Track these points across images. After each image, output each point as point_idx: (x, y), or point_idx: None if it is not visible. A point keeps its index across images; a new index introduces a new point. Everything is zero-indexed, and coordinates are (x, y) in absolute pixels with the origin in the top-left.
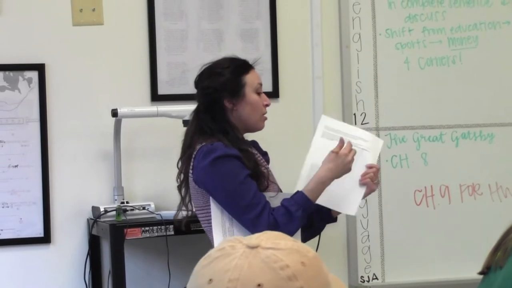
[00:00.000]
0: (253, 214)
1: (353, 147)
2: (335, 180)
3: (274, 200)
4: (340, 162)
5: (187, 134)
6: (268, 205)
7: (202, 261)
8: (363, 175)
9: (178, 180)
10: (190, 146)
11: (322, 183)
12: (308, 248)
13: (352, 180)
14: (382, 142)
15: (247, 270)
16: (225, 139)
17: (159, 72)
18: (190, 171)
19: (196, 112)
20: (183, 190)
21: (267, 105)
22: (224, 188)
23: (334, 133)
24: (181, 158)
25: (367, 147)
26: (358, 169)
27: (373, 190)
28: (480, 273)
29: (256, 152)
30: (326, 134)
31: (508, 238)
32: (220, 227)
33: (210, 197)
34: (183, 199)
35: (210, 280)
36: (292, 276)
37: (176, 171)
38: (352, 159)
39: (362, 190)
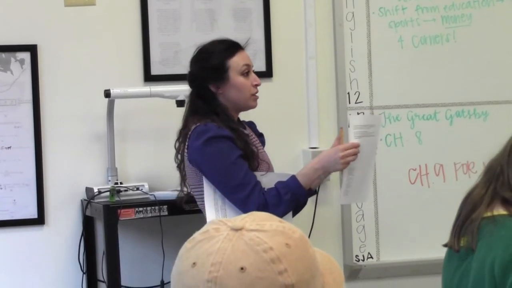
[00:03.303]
0: (243, 194)
1: (367, 137)
2: (357, 174)
3: (264, 178)
4: (332, 155)
5: (184, 116)
6: (258, 185)
7: (187, 244)
8: None
9: (177, 160)
10: (185, 127)
11: (314, 170)
12: (294, 228)
13: (366, 169)
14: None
15: (230, 253)
16: (217, 119)
17: (152, 53)
18: (186, 150)
19: (190, 96)
20: (182, 170)
21: (257, 85)
22: (216, 168)
23: (363, 130)
24: (177, 139)
25: (374, 132)
26: (370, 156)
27: None
28: (445, 245)
29: (249, 132)
30: (357, 133)
31: (474, 217)
32: (213, 205)
33: (203, 176)
34: (182, 178)
35: (194, 263)
36: (276, 259)
37: (170, 151)
38: (343, 158)
39: (372, 176)
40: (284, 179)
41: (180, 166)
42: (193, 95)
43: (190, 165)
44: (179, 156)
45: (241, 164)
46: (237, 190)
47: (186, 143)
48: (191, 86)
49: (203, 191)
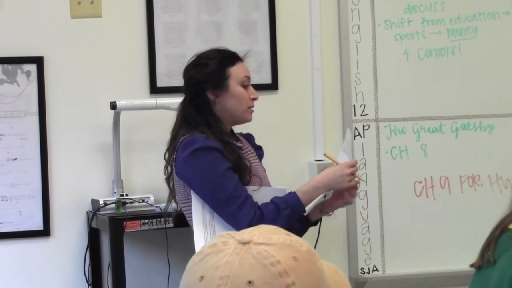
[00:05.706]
0: (233, 207)
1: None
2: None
3: (257, 193)
4: (338, 172)
5: (174, 125)
6: (250, 199)
7: (194, 258)
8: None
9: (166, 172)
10: (175, 138)
11: (316, 188)
12: (301, 241)
13: None
14: (350, 134)
15: (237, 266)
16: (208, 131)
17: (158, 65)
18: (174, 163)
19: (182, 103)
20: (171, 183)
21: (254, 99)
22: (203, 180)
23: (347, 146)
24: (167, 150)
25: (344, 148)
26: None
27: (346, 202)
28: (472, 265)
29: (244, 145)
30: (345, 148)
31: (497, 232)
32: (201, 220)
33: (191, 190)
34: (171, 191)
35: (202, 277)
36: (284, 272)
37: None
38: (349, 176)
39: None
40: (278, 194)
41: (169, 179)
42: (186, 103)
43: (178, 178)
44: (169, 168)
45: (230, 176)
46: (227, 203)
47: (174, 156)
48: (187, 92)
49: (191, 205)
